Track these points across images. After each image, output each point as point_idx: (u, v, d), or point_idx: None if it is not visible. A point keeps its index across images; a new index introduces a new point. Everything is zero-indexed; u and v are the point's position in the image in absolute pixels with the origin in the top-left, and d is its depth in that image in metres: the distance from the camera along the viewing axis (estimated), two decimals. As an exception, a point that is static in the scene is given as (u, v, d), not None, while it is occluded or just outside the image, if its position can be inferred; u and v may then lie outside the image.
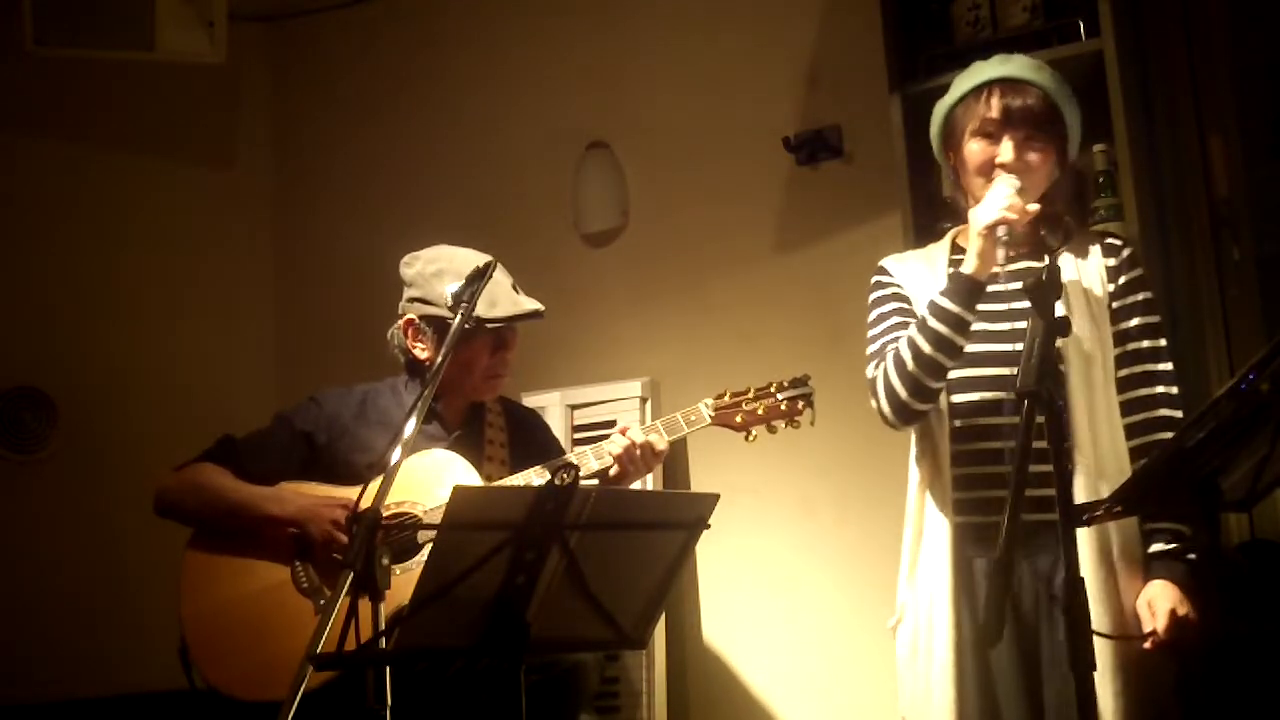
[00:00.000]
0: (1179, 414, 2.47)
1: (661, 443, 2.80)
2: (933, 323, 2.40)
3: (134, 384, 4.09)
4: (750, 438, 2.82)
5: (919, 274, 2.60)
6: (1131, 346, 2.50)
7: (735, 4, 3.82)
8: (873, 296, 2.63)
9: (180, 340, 4.21)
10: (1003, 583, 2.01)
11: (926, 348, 2.40)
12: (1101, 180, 3.07)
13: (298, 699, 2.07)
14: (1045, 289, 2.04)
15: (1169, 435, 2.43)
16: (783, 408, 2.82)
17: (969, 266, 2.41)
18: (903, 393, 2.43)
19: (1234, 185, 3.23)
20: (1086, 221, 2.99)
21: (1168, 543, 2.41)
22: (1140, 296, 2.53)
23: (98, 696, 3.66)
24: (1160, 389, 2.48)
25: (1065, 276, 2.50)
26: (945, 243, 2.66)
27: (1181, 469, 2.02)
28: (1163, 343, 2.52)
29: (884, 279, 2.63)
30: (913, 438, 2.59)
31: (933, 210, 3.21)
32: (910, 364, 2.41)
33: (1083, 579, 1.94)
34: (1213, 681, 2.40)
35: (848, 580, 3.49)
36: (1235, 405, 1.88)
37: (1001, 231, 2.35)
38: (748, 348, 3.63)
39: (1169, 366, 2.51)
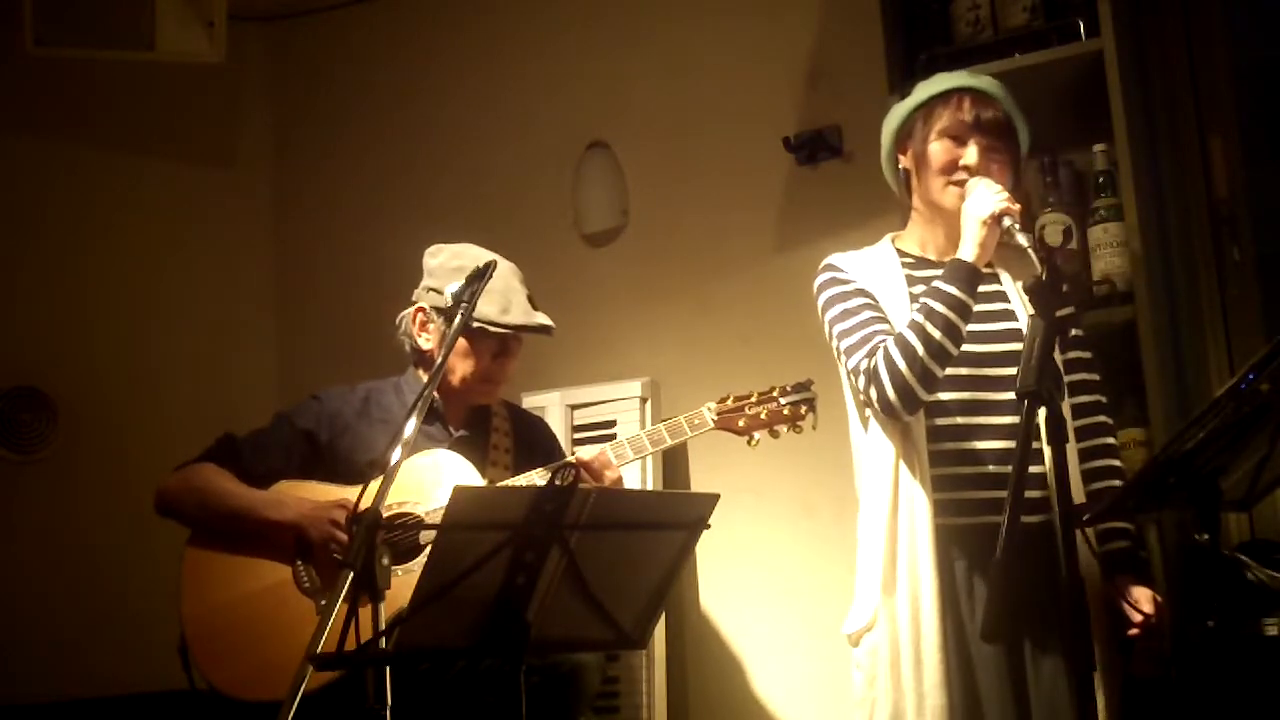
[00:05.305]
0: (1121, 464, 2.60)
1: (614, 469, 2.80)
2: (940, 309, 2.43)
3: (134, 384, 4.09)
4: (753, 442, 2.82)
5: (873, 273, 2.63)
6: (1085, 399, 2.59)
7: (735, 4, 3.82)
8: (833, 291, 2.64)
9: (180, 340, 4.20)
10: (1003, 583, 2.01)
11: (936, 334, 2.42)
12: (1101, 180, 3.07)
13: (298, 699, 2.08)
14: (1046, 289, 2.05)
15: (1118, 484, 2.54)
16: (785, 412, 2.83)
17: (969, 254, 2.45)
18: (912, 380, 2.44)
19: (1234, 185, 3.23)
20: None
21: (1125, 540, 2.51)
22: (1084, 353, 2.63)
23: (98, 696, 3.65)
24: (1111, 440, 2.61)
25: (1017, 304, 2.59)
26: (885, 246, 2.70)
27: (1181, 470, 2.02)
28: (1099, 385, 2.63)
29: (839, 275, 2.65)
30: (860, 447, 2.60)
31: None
32: (920, 350, 2.43)
33: (1083, 579, 1.95)
34: (1209, 683, 2.40)
35: (848, 580, 3.47)
36: (1235, 405, 1.88)
37: (1007, 220, 2.40)
38: (748, 348, 3.62)
39: (1109, 418, 2.62)
